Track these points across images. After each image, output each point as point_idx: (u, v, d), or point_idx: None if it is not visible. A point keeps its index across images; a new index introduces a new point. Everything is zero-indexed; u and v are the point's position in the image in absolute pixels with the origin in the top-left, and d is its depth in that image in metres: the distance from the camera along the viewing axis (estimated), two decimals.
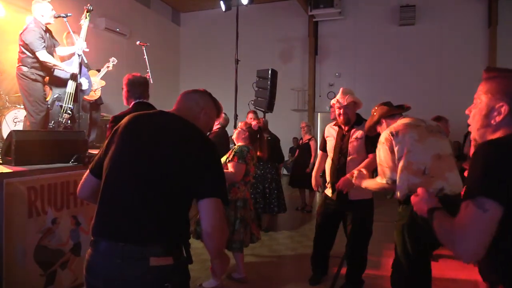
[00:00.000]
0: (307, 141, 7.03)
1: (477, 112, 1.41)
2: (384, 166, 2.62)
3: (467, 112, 1.49)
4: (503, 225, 1.16)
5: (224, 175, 1.67)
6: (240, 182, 3.60)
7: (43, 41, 4.47)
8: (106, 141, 1.68)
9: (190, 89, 1.85)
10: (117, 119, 2.88)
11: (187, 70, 13.31)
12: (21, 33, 4.51)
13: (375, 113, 2.94)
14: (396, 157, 2.55)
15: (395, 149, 2.55)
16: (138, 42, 6.23)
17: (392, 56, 11.24)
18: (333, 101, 3.57)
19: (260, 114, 7.50)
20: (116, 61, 6.16)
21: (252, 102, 7.56)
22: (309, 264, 3.86)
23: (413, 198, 1.66)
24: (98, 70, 5.97)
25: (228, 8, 8.00)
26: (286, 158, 8.67)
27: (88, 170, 1.71)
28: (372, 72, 11.31)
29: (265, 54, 11.76)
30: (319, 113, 11.94)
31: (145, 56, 6.05)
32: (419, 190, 1.62)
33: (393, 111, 2.87)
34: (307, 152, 6.90)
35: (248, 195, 3.78)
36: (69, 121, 4.76)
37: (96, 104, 5.97)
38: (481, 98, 1.41)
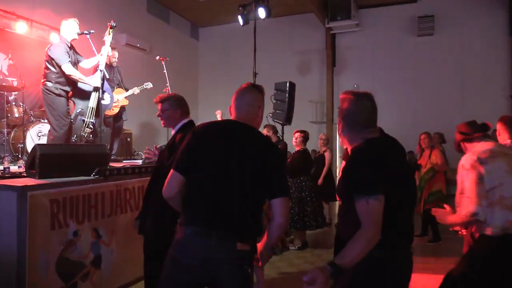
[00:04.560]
0: (323, 152, 7.01)
1: None
2: (468, 196, 2.36)
3: None
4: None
5: (286, 174, 2.05)
6: None
7: (68, 56, 4.61)
8: (187, 146, 1.96)
9: (240, 92, 2.08)
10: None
11: (205, 83, 13.44)
12: (47, 49, 4.67)
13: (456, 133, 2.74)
14: (486, 189, 2.31)
15: (485, 179, 2.32)
16: (158, 57, 6.34)
17: (411, 67, 11.12)
18: None
19: (279, 127, 7.51)
20: (151, 85, 6.25)
21: (271, 114, 7.56)
22: None
23: None
24: (127, 89, 6.09)
25: (245, 22, 8.08)
26: None
27: (172, 170, 1.96)
28: (391, 84, 11.21)
29: (283, 67, 11.77)
30: (337, 125, 11.86)
31: (165, 71, 6.15)
32: None
33: (470, 136, 2.61)
34: (322, 164, 6.87)
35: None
36: (91, 135, 4.85)
37: (120, 119, 6.08)
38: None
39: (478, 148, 2.50)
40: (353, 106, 1.88)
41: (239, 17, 8.08)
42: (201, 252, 1.79)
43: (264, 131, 6.26)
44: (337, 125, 1.96)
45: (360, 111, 1.87)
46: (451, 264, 2.64)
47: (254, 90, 2.09)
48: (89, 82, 4.77)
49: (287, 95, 7.46)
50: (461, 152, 2.72)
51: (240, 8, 7.98)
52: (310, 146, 10.80)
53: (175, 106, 2.90)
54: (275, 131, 6.58)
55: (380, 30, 11.46)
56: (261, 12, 7.66)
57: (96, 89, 4.79)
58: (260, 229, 1.94)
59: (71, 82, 4.79)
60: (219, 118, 5.73)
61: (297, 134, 5.66)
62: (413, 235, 1.90)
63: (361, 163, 1.76)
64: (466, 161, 2.46)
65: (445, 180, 5.90)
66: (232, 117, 2.06)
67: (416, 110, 11.01)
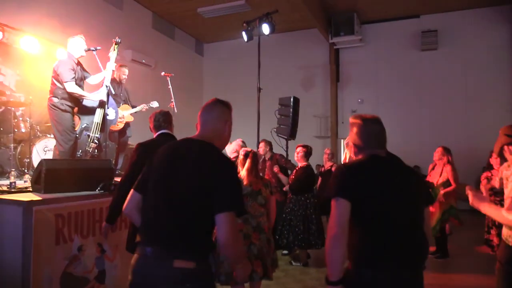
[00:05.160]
0: (329, 167, 6.98)
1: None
2: None
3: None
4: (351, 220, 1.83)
5: (238, 188, 1.89)
6: None
7: (73, 73, 4.66)
8: (146, 167, 1.99)
9: (205, 107, 2.06)
10: (142, 146, 3.11)
11: (210, 99, 13.49)
12: (54, 65, 4.73)
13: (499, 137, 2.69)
14: None
15: None
16: (163, 73, 6.40)
17: (416, 81, 11.16)
18: None
19: (283, 142, 7.52)
20: (157, 105, 6.24)
21: (275, 129, 7.58)
22: None
23: None
24: (134, 106, 6.11)
25: (250, 38, 8.16)
26: None
27: (133, 189, 2.00)
28: (395, 98, 11.23)
29: (287, 82, 11.85)
30: (342, 140, 11.85)
31: (170, 86, 6.20)
32: None
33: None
34: (329, 178, 6.82)
35: (242, 227, 3.39)
36: (96, 150, 4.88)
37: (124, 134, 6.11)
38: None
39: None
40: (363, 130, 2.00)
41: (244, 33, 8.16)
42: (142, 271, 1.77)
43: (261, 146, 6.24)
44: (350, 149, 2.08)
45: (369, 135, 2.00)
46: (461, 281, 2.60)
47: (220, 105, 2.07)
48: (92, 97, 4.81)
49: (291, 110, 7.50)
50: (501, 156, 2.65)
51: (245, 24, 8.07)
52: (314, 161, 10.83)
53: (152, 119, 3.34)
54: (270, 148, 6.52)
55: (384, 45, 11.54)
56: (265, 28, 7.73)
57: (101, 103, 4.84)
58: (209, 245, 1.84)
59: (77, 98, 4.83)
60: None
61: (299, 149, 5.60)
62: (410, 256, 1.84)
63: (337, 171, 1.99)
64: None
65: (456, 194, 5.76)
66: (196, 133, 2.01)
67: (420, 124, 11.00)
